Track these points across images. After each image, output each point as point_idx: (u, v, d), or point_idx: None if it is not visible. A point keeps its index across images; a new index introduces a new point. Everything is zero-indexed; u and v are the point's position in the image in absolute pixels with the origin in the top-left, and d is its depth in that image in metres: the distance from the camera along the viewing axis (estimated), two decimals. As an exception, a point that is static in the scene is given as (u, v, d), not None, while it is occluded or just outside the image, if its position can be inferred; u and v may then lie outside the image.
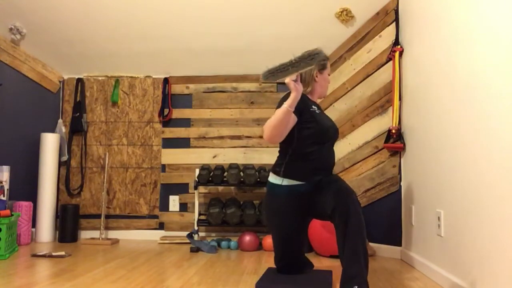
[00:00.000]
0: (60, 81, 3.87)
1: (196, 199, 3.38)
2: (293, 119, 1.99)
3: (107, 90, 3.84)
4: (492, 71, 1.67)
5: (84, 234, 3.71)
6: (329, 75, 2.29)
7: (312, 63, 1.75)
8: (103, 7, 3.16)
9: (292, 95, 1.83)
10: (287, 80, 1.82)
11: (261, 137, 3.66)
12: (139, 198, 3.74)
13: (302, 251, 2.27)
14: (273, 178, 2.14)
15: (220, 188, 3.67)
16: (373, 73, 3.11)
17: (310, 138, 2.08)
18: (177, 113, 3.78)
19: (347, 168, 3.22)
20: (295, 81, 1.82)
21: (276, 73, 1.82)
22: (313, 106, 2.15)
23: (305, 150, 2.08)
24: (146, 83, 3.83)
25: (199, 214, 3.47)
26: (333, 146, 2.23)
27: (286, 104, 1.83)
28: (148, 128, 3.79)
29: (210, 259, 2.85)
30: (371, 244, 3.02)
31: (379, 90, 3.06)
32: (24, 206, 3.31)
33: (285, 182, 2.08)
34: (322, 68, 2.23)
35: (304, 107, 2.05)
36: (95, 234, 3.69)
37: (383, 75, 3.04)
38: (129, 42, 3.47)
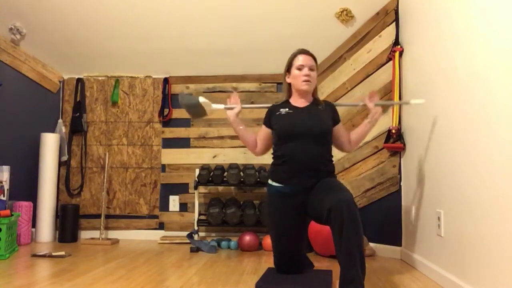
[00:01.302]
0: (60, 81, 3.87)
1: (196, 199, 3.38)
2: (265, 132, 2.30)
3: (107, 90, 3.84)
4: (492, 71, 1.67)
5: (84, 234, 3.71)
6: (299, 69, 2.18)
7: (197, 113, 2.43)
8: (103, 7, 3.16)
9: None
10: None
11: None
12: (139, 198, 3.74)
13: (301, 251, 2.26)
14: (268, 179, 2.28)
15: (220, 188, 3.67)
16: (373, 73, 3.11)
17: (277, 140, 2.21)
18: (177, 113, 3.78)
19: (347, 168, 3.22)
20: (227, 108, 2.34)
21: (186, 104, 2.42)
22: (282, 109, 2.22)
23: (278, 152, 2.20)
24: (146, 83, 3.83)
25: (199, 214, 3.47)
26: (313, 144, 2.11)
27: None
28: (148, 128, 3.79)
29: (210, 259, 2.85)
30: (371, 244, 3.02)
31: (379, 90, 3.05)
32: (24, 206, 3.31)
33: (272, 183, 2.21)
34: (287, 69, 2.26)
35: (270, 117, 2.27)
36: (95, 234, 3.69)
37: (383, 75, 3.04)
38: (129, 42, 3.47)
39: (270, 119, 2.27)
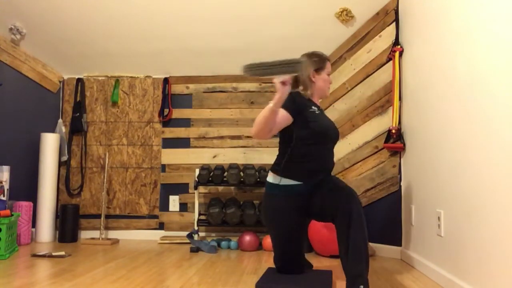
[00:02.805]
0: (60, 81, 3.87)
1: (196, 199, 3.38)
2: (285, 119, 2.02)
3: (107, 90, 3.84)
4: (492, 71, 1.67)
5: (84, 234, 3.71)
6: (328, 75, 2.26)
7: (291, 70, 1.78)
8: (103, 7, 3.16)
9: (276, 95, 1.83)
10: (275, 80, 1.82)
11: (261, 137, 3.67)
12: (139, 198, 3.74)
13: (301, 252, 2.26)
14: (271, 178, 2.16)
15: (220, 188, 3.67)
16: (373, 73, 3.11)
17: (308, 138, 2.09)
18: (177, 113, 3.78)
19: (347, 168, 3.22)
20: (283, 83, 1.82)
21: (256, 69, 1.88)
22: (313, 107, 2.16)
23: (303, 150, 2.09)
24: (146, 83, 3.83)
25: (199, 214, 3.47)
26: (333, 148, 2.23)
27: (271, 103, 1.86)
28: (148, 128, 3.79)
29: (210, 259, 2.85)
30: (371, 244, 3.02)
31: (379, 90, 3.06)
32: (24, 206, 3.31)
33: (283, 181, 2.10)
34: (318, 68, 2.22)
35: (302, 108, 2.09)
36: (95, 234, 3.69)
37: (383, 75, 3.04)
38: (129, 42, 3.48)
39: (300, 111, 2.08)
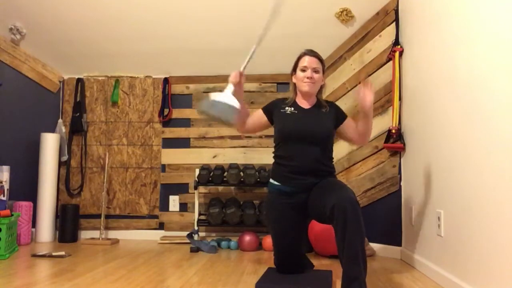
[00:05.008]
0: (60, 81, 3.87)
1: (196, 199, 3.38)
2: (259, 116, 2.27)
3: (107, 90, 3.84)
4: (492, 71, 1.67)
5: (84, 234, 3.71)
6: (303, 71, 2.19)
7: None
8: (103, 7, 3.16)
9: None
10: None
11: (260, 137, 3.67)
12: (139, 198, 3.74)
13: (301, 251, 2.27)
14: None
15: (220, 188, 3.67)
16: (373, 73, 3.11)
17: (276, 139, 2.23)
18: (177, 113, 3.78)
19: (347, 168, 3.22)
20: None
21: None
22: (287, 107, 2.22)
23: (278, 152, 2.22)
24: (146, 83, 3.83)
25: (199, 214, 3.47)
26: (315, 147, 2.13)
27: None
28: (148, 128, 3.79)
29: (210, 259, 2.85)
30: (371, 244, 3.02)
31: (379, 90, 3.05)
32: (24, 206, 3.31)
33: (273, 181, 2.22)
34: (293, 69, 2.27)
35: (272, 109, 2.26)
36: (95, 234, 3.69)
37: (383, 75, 3.04)
38: (129, 42, 3.47)
39: (272, 111, 2.25)
